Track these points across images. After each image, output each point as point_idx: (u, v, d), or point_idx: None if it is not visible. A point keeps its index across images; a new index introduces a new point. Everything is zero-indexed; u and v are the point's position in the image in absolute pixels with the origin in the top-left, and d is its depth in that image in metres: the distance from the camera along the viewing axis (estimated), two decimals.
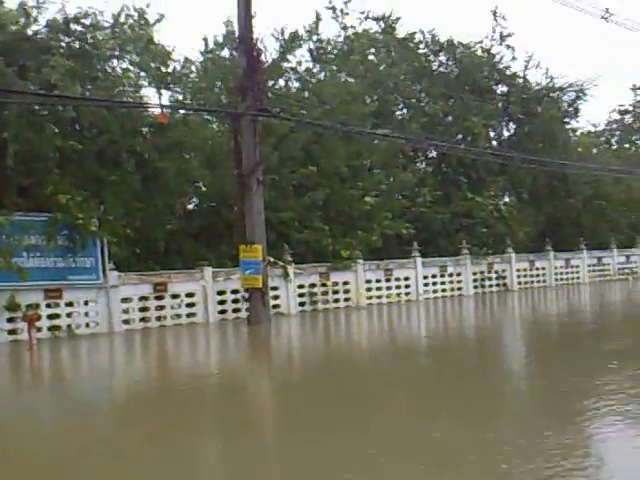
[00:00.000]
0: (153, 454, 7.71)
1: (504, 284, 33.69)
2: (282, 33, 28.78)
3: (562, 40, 77.71)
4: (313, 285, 26.77)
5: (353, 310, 26.98)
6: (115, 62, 23.82)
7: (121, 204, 22.55)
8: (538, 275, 35.61)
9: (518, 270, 34.39)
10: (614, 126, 52.50)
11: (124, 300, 22.18)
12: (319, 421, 8.76)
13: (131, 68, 24.03)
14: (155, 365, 16.52)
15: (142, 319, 22.57)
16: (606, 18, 36.92)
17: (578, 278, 37.52)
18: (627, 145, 51.53)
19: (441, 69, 36.77)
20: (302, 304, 26.38)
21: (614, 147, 50.59)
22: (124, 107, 22.98)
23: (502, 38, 37.22)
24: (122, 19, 23.69)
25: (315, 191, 27.24)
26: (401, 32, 35.81)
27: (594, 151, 44.75)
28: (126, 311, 22.27)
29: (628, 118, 52.70)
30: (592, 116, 48.59)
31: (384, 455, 6.99)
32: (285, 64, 29.02)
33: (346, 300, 27.71)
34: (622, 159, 44.81)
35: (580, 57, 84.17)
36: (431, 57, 36.76)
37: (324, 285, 27.03)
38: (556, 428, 7.66)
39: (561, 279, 36.52)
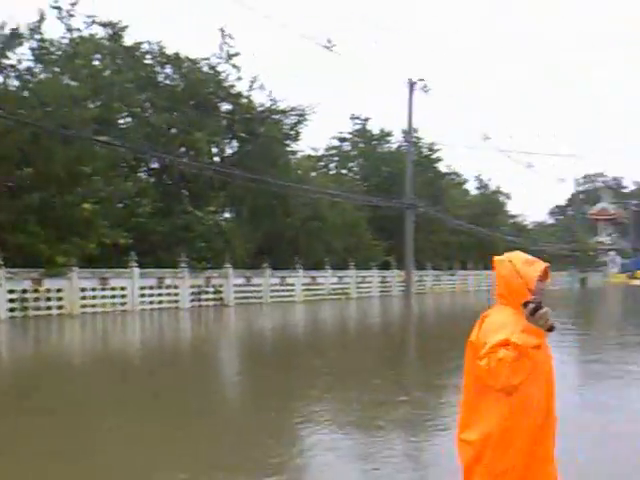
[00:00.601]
0: None
1: (220, 299, 36.79)
2: (2, 28, 29.84)
3: (287, 64, 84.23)
4: (25, 291, 28.03)
5: (66, 318, 28.69)
6: None
7: None
8: (254, 291, 39.21)
9: (235, 285, 37.76)
10: (333, 152, 58.27)
11: None
12: None
13: None
14: None
15: None
16: (329, 47, 41.77)
17: (293, 296, 41.61)
18: (344, 171, 57.51)
19: (167, 81, 39.41)
20: (12, 310, 27.56)
21: (332, 172, 56.26)
22: None
23: (229, 57, 40.79)
24: None
25: (31, 194, 28.43)
26: (128, 40, 38.37)
27: (313, 174, 49.76)
28: None
29: (346, 145, 58.74)
30: (313, 140, 53.58)
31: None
32: (4, 61, 30.00)
33: (59, 308, 29.37)
34: (339, 184, 50.15)
35: (303, 83, 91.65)
36: (157, 68, 39.45)
37: (36, 291, 28.28)
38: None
39: (276, 296, 40.42)
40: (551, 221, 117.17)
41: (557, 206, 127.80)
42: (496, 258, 3.84)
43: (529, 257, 3.77)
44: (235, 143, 42.98)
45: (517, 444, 3.61)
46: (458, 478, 6.27)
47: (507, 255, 3.81)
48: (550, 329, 3.49)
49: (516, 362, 3.39)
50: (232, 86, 41.61)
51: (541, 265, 3.73)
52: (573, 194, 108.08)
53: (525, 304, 3.50)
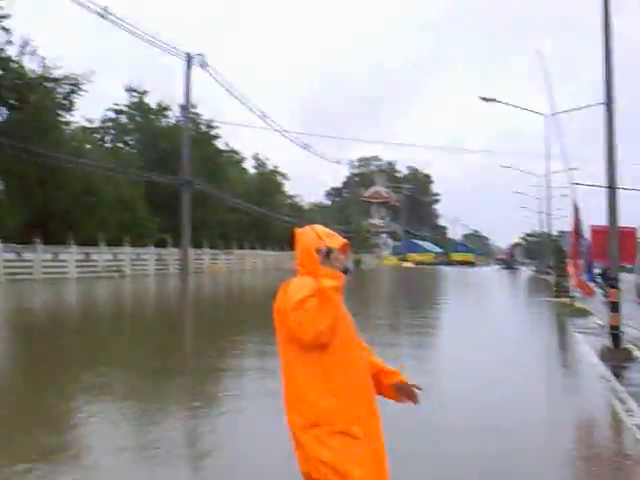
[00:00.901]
0: None
1: None
2: None
3: (60, 31, 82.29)
4: None
5: None
6: None
7: None
8: (25, 267, 38.82)
9: (5, 261, 37.27)
10: (109, 124, 58.13)
11: None
12: None
13: None
14: None
15: None
16: (104, 16, 41.74)
17: (66, 273, 41.58)
18: (120, 144, 57.62)
19: None
20: None
21: (108, 145, 56.16)
22: None
23: None
24: None
25: None
26: None
27: (88, 147, 49.55)
28: None
29: (123, 118, 58.72)
30: (88, 112, 52.88)
31: None
32: None
33: None
34: (115, 157, 50.36)
35: (77, 51, 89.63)
36: None
37: None
38: None
39: (49, 273, 40.25)
40: (327, 202, 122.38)
41: (333, 188, 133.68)
42: (297, 230, 3.93)
43: (330, 231, 3.92)
44: (4, 110, 42.18)
45: (345, 407, 3.69)
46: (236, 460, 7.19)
47: (309, 226, 3.93)
48: (345, 271, 3.74)
49: (321, 307, 3.53)
50: (1, 50, 40.85)
51: (341, 239, 3.88)
52: (348, 176, 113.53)
53: (318, 250, 3.75)
